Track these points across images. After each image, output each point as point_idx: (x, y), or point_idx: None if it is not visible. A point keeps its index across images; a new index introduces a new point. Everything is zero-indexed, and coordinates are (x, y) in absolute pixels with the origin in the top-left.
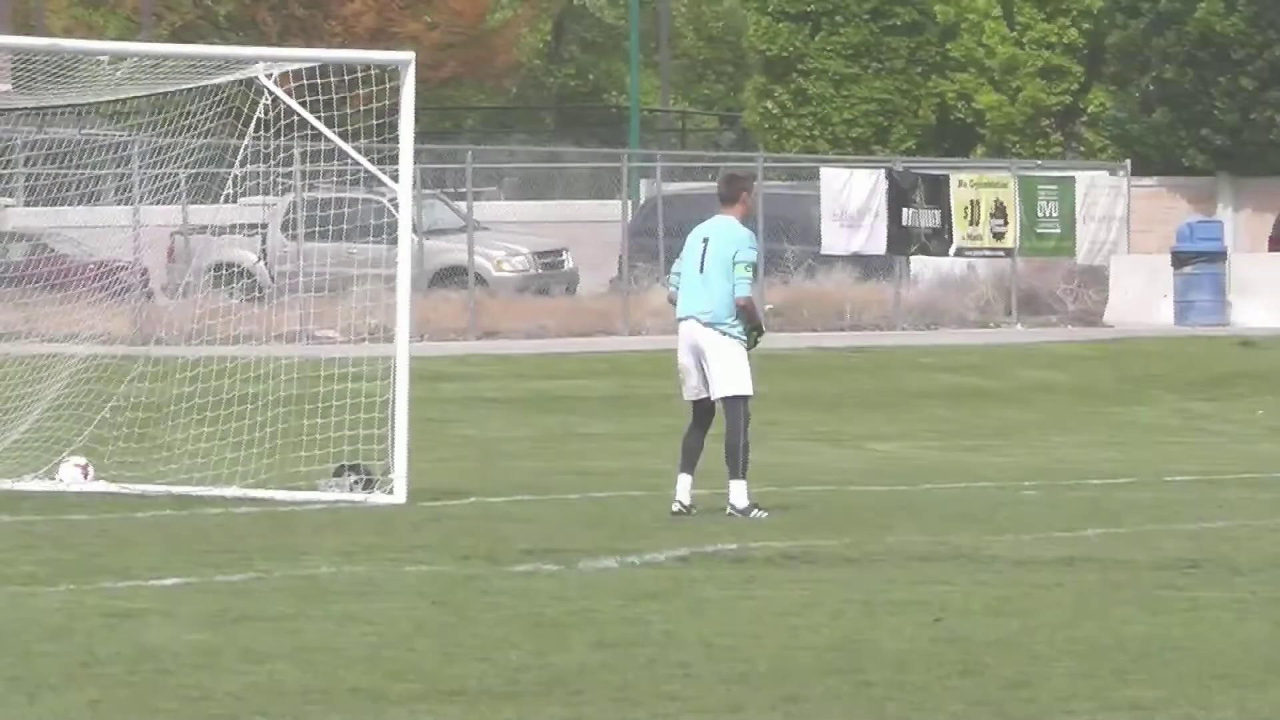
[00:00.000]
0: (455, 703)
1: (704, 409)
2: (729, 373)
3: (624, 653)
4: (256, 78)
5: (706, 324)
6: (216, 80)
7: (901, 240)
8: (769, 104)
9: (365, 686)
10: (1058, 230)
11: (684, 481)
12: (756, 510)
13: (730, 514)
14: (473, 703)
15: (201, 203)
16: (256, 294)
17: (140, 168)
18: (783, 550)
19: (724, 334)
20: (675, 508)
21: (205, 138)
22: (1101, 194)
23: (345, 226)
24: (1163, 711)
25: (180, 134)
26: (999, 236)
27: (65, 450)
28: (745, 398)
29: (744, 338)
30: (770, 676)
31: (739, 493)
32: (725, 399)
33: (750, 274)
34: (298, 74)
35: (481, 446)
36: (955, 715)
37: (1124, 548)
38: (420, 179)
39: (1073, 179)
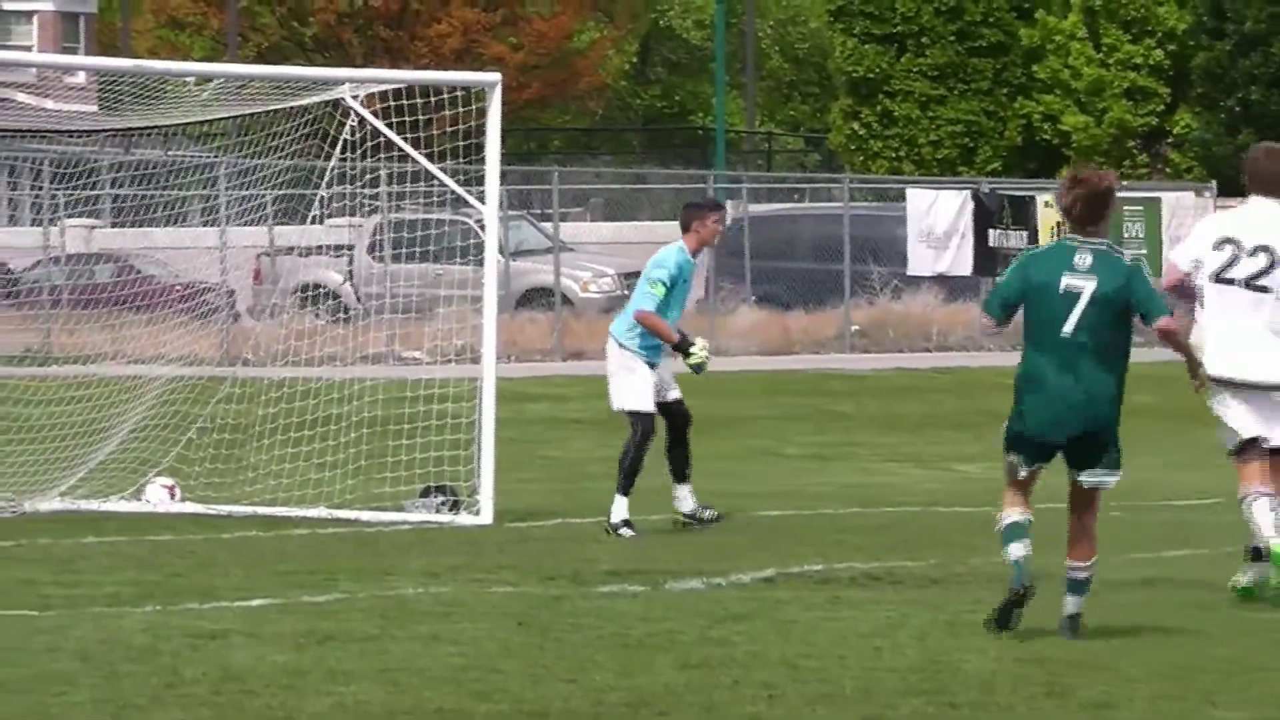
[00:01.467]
0: None
1: (665, 417)
2: (616, 388)
3: (709, 674)
4: (342, 99)
5: (611, 335)
6: (302, 101)
7: (987, 261)
8: (855, 125)
9: (450, 708)
10: (1143, 251)
11: (678, 492)
12: (626, 529)
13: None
14: None
15: (288, 224)
16: (343, 315)
17: (227, 189)
18: (868, 571)
19: (620, 347)
20: (680, 519)
21: (291, 159)
22: (1187, 215)
23: (432, 248)
24: None
25: (266, 155)
26: None
27: (152, 471)
28: (639, 413)
29: (641, 352)
30: (855, 698)
31: (616, 508)
32: (621, 413)
33: (654, 290)
34: (383, 95)
35: (567, 467)
36: None
37: (1207, 569)
38: (506, 200)
39: (1158, 200)
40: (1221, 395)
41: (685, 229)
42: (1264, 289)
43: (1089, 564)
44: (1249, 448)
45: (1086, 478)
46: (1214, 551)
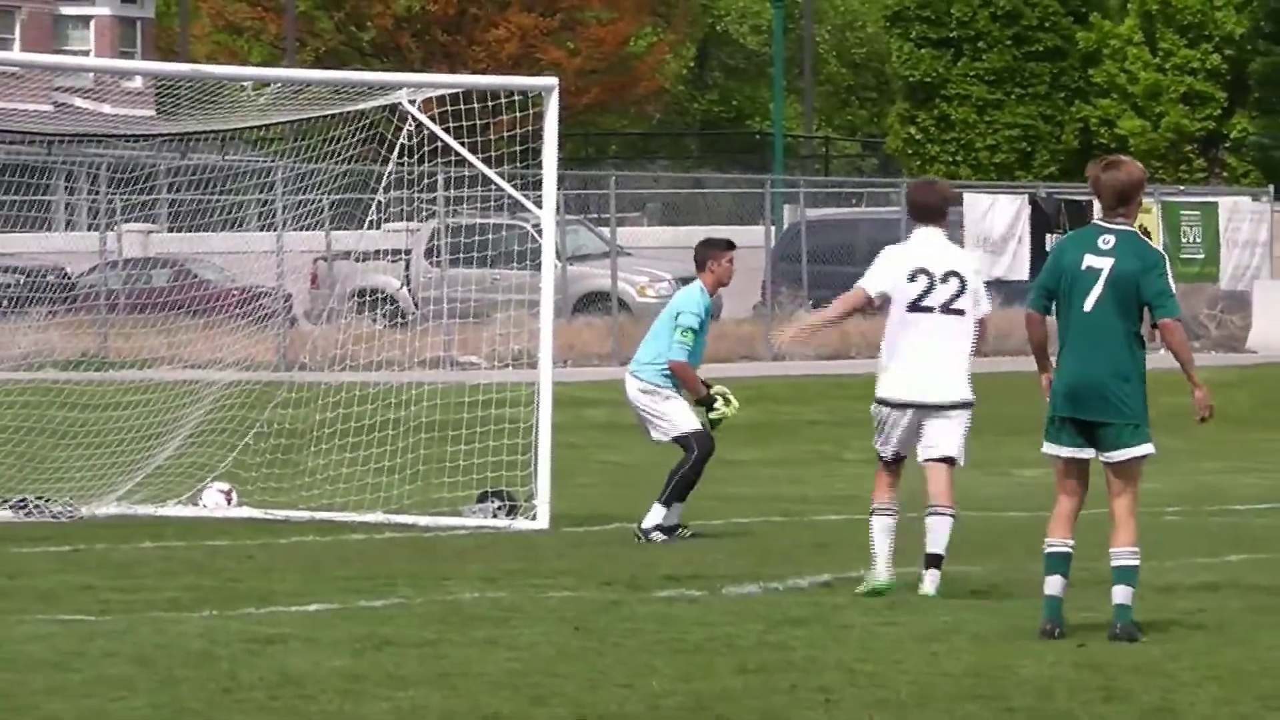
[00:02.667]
0: None
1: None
2: (660, 421)
3: (766, 678)
4: (400, 104)
5: (632, 373)
6: (360, 106)
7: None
8: (912, 130)
9: (508, 712)
10: (1201, 256)
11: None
12: (658, 534)
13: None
14: None
15: (345, 228)
16: (400, 320)
17: (284, 193)
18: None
19: (647, 384)
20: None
21: (349, 164)
22: (1244, 219)
23: (489, 252)
24: None
25: (324, 160)
26: None
27: (209, 476)
28: (694, 434)
29: (669, 385)
30: (911, 703)
31: (653, 515)
32: (674, 442)
33: (684, 338)
34: (441, 100)
35: (624, 472)
36: None
37: (1267, 574)
38: (564, 205)
39: (1215, 205)
40: (887, 412)
41: (701, 267)
42: (959, 312)
43: (1128, 550)
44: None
45: (1112, 456)
46: (1274, 556)
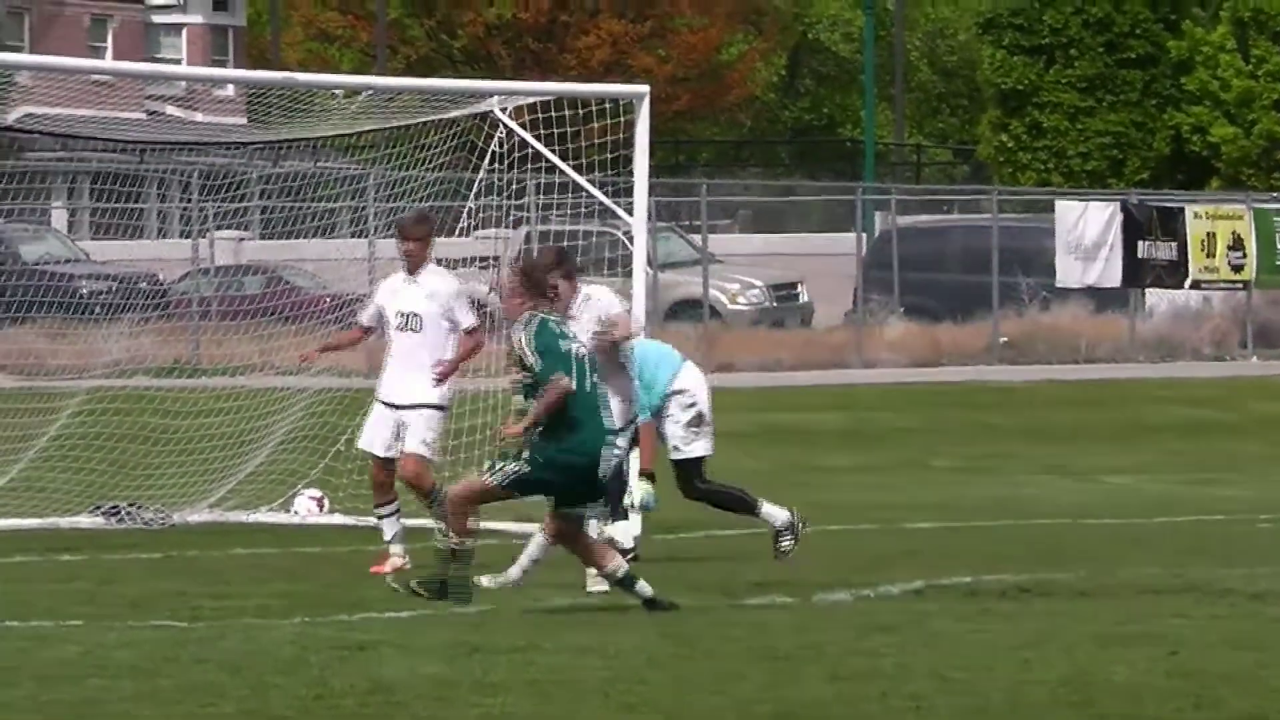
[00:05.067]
0: None
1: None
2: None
3: (857, 686)
4: (491, 111)
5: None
6: (451, 114)
7: (1136, 273)
8: (1004, 137)
9: (599, 719)
10: None
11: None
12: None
13: None
14: None
15: (436, 235)
16: (491, 326)
17: (375, 200)
18: (1016, 583)
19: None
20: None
21: (440, 171)
22: None
23: (580, 259)
24: None
25: (415, 167)
26: (1237, 269)
27: (300, 483)
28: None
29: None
30: (1002, 710)
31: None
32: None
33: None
34: (532, 107)
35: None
36: None
37: None
38: (655, 212)
39: None
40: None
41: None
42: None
43: None
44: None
45: None
46: None
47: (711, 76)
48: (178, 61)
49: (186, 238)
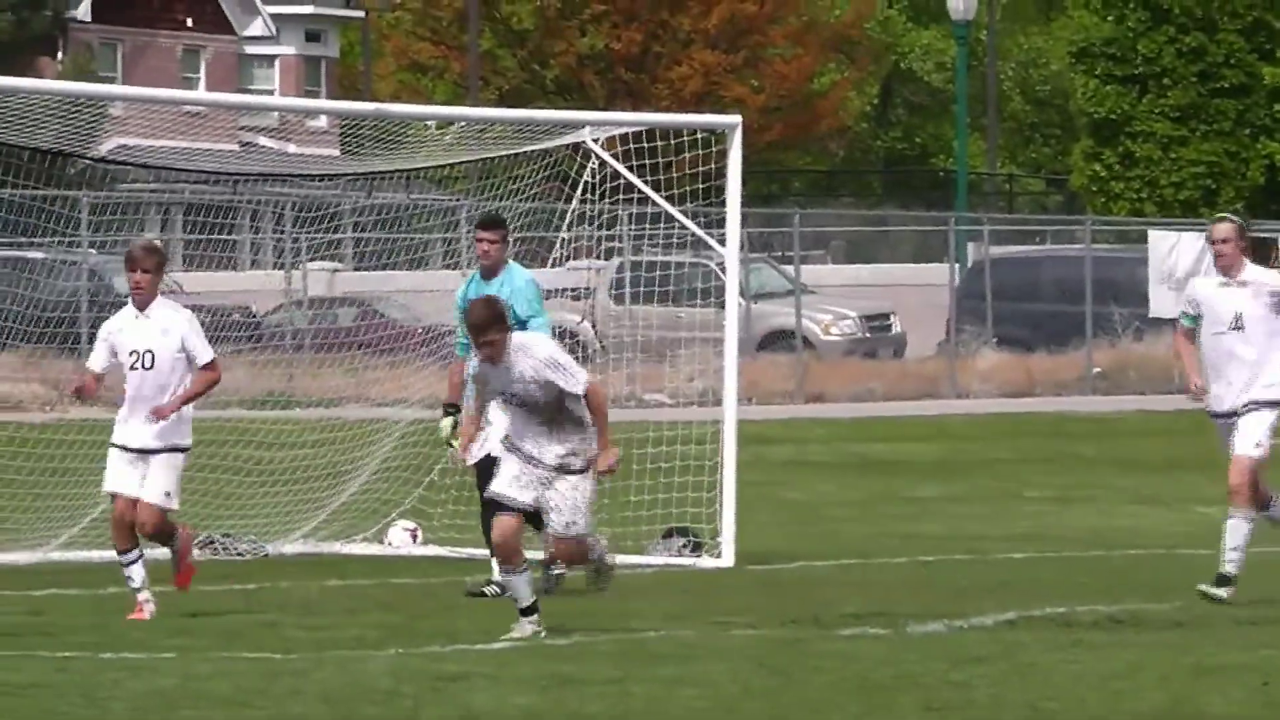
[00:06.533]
0: None
1: None
2: None
3: (950, 716)
4: (584, 141)
5: None
6: (544, 144)
7: None
8: (1097, 166)
9: None
10: None
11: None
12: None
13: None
14: None
15: (528, 266)
16: (584, 357)
17: (468, 232)
18: (1109, 614)
19: None
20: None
21: (532, 201)
22: None
23: (672, 289)
24: None
25: (508, 198)
26: None
27: (394, 513)
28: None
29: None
30: None
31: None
32: None
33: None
34: (624, 138)
35: (808, 510)
36: None
37: None
38: (747, 242)
39: None
40: None
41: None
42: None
43: None
44: None
45: None
46: None
47: (804, 106)
48: (271, 93)
49: (280, 269)
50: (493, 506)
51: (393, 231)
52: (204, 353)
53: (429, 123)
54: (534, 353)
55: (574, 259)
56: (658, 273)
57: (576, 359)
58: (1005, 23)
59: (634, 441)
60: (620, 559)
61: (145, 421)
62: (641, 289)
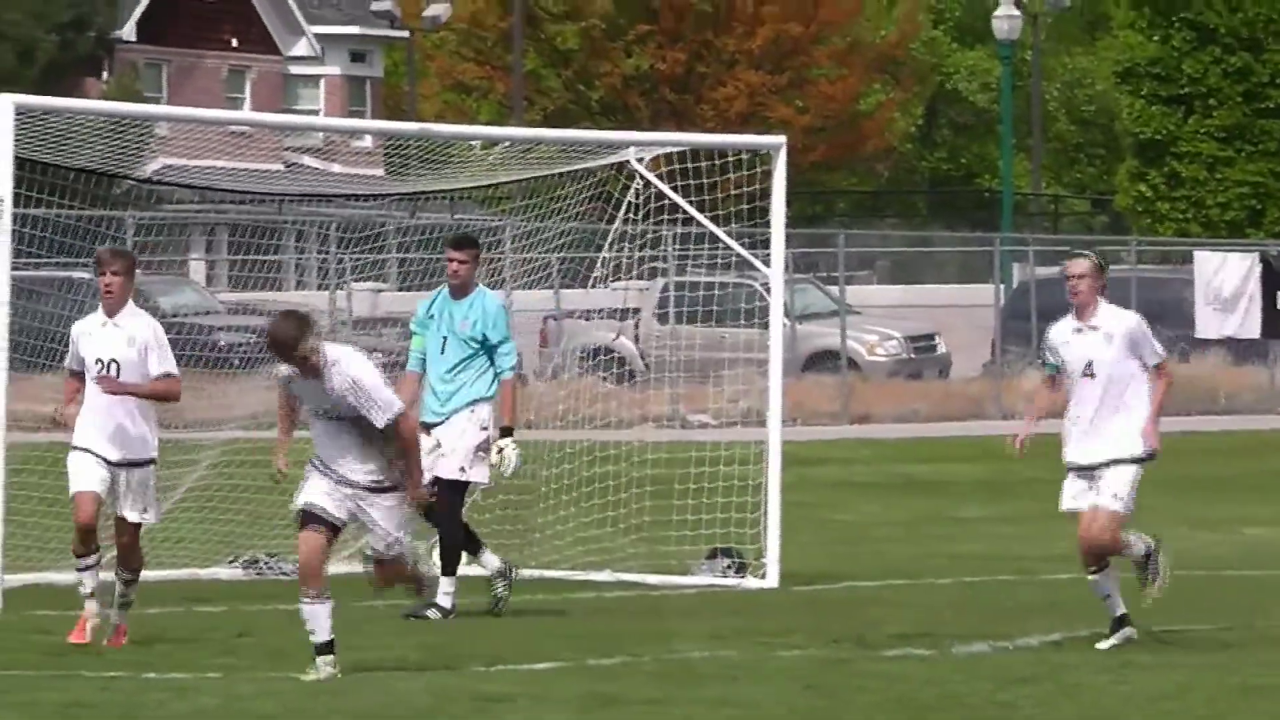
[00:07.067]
0: None
1: None
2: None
3: None
4: (628, 162)
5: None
6: (588, 164)
7: (1276, 324)
8: (1142, 187)
9: None
10: None
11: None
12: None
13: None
14: None
15: (572, 286)
16: (628, 377)
17: (511, 251)
18: (1156, 635)
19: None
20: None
21: (576, 221)
22: None
23: (716, 309)
24: None
25: (551, 217)
26: None
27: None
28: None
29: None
30: None
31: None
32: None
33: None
34: (669, 158)
35: (853, 531)
36: None
37: None
38: (792, 263)
39: None
40: None
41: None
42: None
43: None
44: None
45: None
46: None
47: (849, 127)
48: (316, 113)
49: (324, 290)
50: (303, 520)
51: (436, 252)
52: (161, 365)
53: (473, 143)
54: (346, 370)
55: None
56: (701, 293)
57: (623, 381)
58: (1050, 43)
59: (677, 462)
60: (664, 580)
61: (121, 432)
62: (685, 309)
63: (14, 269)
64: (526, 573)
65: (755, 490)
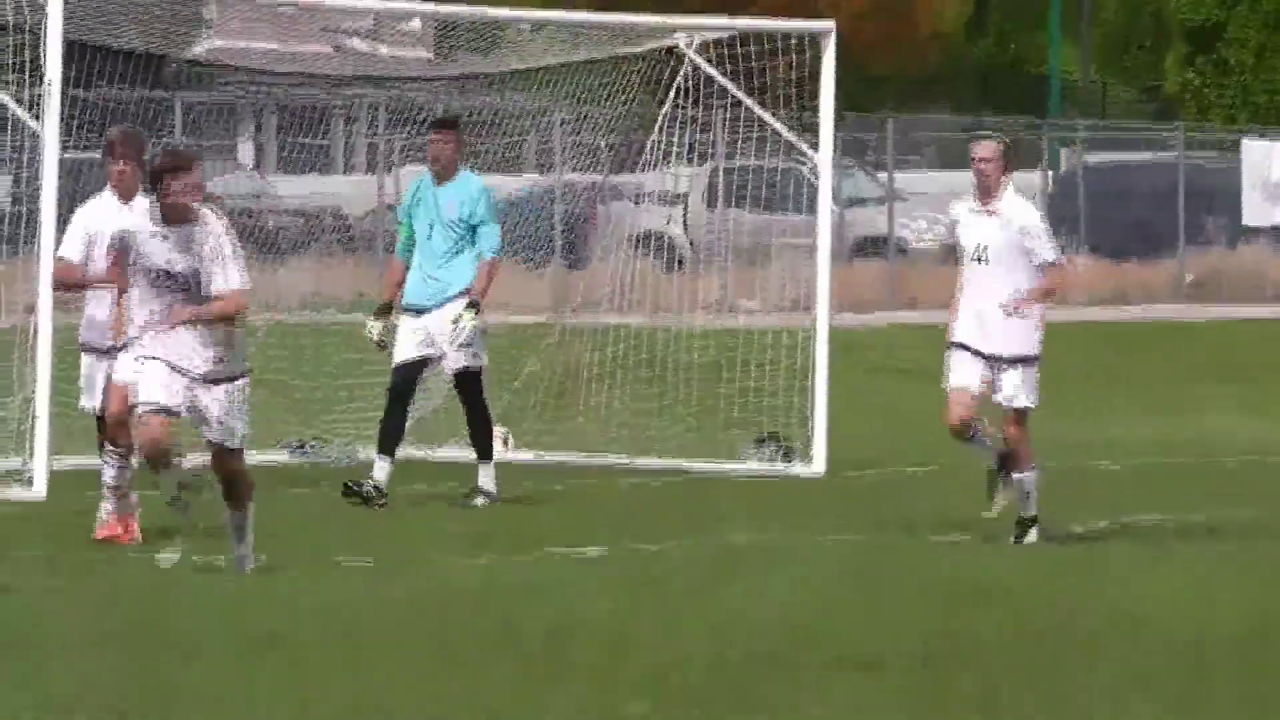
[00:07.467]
0: (869, 672)
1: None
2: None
3: (1037, 622)
4: (677, 46)
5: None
6: (637, 49)
7: None
8: (1190, 74)
9: (781, 654)
10: None
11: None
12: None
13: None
14: (885, 672)
15: (621, 171)
16: (677, 262)
17: (560, 135)
18: (1201, 522)
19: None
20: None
21: (625, 106)
22: None
23: (764, 195)
24: None
25: (600, 102)
26: None
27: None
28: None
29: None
30: (1184, 649)
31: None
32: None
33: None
34: (718, 43)
35: (900, 416)
36: None
37: None
38: (840, 148)
39: None
40: None
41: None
42: None
43: None
44: None
45: None
46: None
47: (899, 13)
48: None
49: (371, 173)
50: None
51: (484, 136)
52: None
53: (523, 26)
54: (215, 227)
55: (667, 164)
56: (750, 178)
57: (671, 266)
58: None
59: (725, 347)
60: (711, 465)
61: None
62: (734, 194)
63: (63, 152)
64: (574, 458)
65: (803, 376)
